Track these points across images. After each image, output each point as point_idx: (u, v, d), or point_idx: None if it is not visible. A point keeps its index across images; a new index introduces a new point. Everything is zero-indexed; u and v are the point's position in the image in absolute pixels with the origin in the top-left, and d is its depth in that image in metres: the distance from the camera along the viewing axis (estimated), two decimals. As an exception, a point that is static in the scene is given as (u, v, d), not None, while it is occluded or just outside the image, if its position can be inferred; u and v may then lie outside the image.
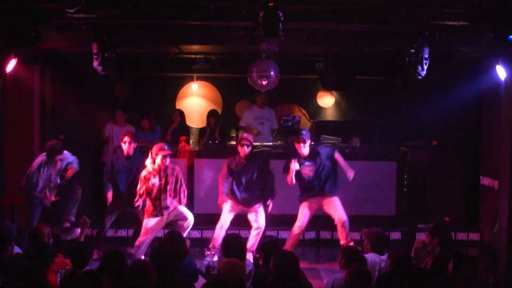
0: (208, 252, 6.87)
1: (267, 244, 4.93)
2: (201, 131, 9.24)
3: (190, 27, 6.58)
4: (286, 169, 6.81)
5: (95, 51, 6.31)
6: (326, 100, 10.28)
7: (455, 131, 8.88)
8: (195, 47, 8.15)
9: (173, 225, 6.68)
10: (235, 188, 6.87)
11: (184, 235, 6.68)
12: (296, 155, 6.84)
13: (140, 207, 6.52)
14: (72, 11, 5.40)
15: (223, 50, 8.50)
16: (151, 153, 6.46)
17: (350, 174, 6.88)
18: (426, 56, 6.30)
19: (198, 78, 10.10)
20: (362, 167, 7.80)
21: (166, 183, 6.51)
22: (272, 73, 7.06)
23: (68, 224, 6.93)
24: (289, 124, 8.57)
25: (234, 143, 8.71)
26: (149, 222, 6.54)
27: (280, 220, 7.57)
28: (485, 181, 8.04)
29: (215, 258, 6.49)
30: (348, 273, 4.17)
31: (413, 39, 6.33)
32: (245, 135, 6.97)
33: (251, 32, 6.44)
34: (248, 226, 7.04)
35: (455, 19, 5.90)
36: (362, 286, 4.07)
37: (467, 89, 8.37)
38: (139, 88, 9.87)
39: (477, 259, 6.25)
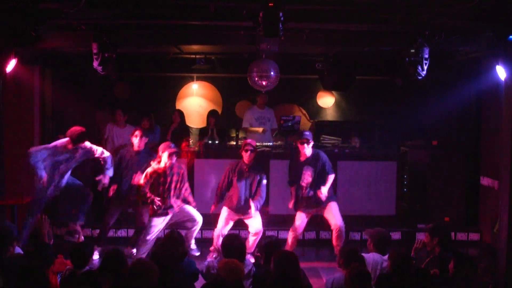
0: (211, 253, 6.88)
1: (267, 244, 4.93)
2: (201, 131, 9.25)
3: (190, 27, 6.58)
4: (291, 183, 6.87)
5: (95, 51, 6.31)
6: (326, 100, 10.28)
7: (455, 131, 8.89)
8: (195, 47, 8.15)
9: (183, 227, 6.62)
10: (233, 196, 6.81)
11: (194, 236, 6.69)
12: (297, 156, 6.83)
13: (143, 202, 6.51)
14: (72, 11, 5.39)
15: (223, 50, 8.50)
16: (158, 151, 6.48)
17: (323, 193, 6.68)
18: (426, 56, 6.30)
19: (198, 78, 10.10)
20: (362, 167, 7.81)
21: (171, 181, 6.51)
22: (272, 73, 7.06)
23: (76, 228, 6.92)
24: (289, 124, 8.57)
25: (234, 143, 8.74)
26: (153, 222, 6.50)
27: (280, 220, 7.58)
28: (485, 181, 8.04)
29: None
30: (347, 273, 4.18)
31: (413, 39, 6.33)
32: (248, 140, 6.95)
33: (251, 32, 6.44)
34: (246, 225, 7.04)
35: (455, 19, 5.90)
36: (362, 286, 4.07)
37: (467, 89, 8.38)
38: (139, 88, 9.87)
39: (477, 259, 6.25)
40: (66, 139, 6.68)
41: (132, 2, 5.81)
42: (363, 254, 5.05)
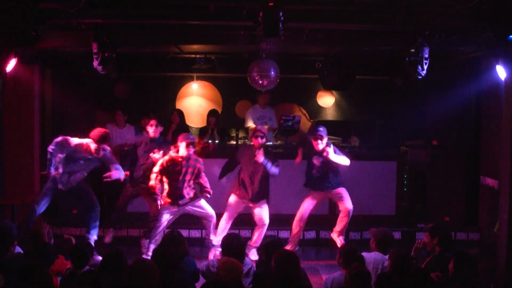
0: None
1: (268, 244, 4.94)
2: (201, 131, 9.24)
3: (190, 27, 6.58)
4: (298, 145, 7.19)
5: (95, 51, 6.31)
6: (326, 100, 10.28)
7: (455, 131, 8.88)
8: (195, 47, 8.15)
9: (201, 224, 6.87)
10: (244, 181, 6.90)
11: (212, 231, 6.81)
12: (310, 150, 6.95)
13: (156, 190, 6.55)
14: (72, 11, 5.39)
15: (223, 50, 8.50)
16: (177, 141, 6.60)
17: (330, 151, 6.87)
18: (426, 56, 6.30)
19: (198, 78, 10.09)
20: (362, 167, 7.81)
21: (186, 172, 6.57)
22: (272, 73, 7.06)
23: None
24: (289, 124, 8.57)
25: (234, 142, 8.74)
26: (164, 211, 6.60)
27: (280, 220, 7.57)
28: (485, 181, 8.04)
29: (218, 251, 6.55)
30: (347, 273, 4.19)
31: (413, 39, 6.33)
32: (258, 127, 7.14)
33: (251, 32, 6.44)
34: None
35: (455, 19, 5.90)
36: (362, 286, 4.08)
37: (467, 89, 8.37)
38: (139, 88, 9.86)
39: (477, 259, 6.24)
40: (89, 140, 6.55)
41: (132, 2, 5.82)
42: (364, 253, 5.07)
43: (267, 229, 7.12)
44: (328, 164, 6.92)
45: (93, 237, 6.67)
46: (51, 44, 6.68)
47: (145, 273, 3.86)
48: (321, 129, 6.92)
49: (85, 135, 6.65)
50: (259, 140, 6.86)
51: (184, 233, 6.91)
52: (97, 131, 6.54)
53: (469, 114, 8.66)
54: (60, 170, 6.46)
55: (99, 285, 3.96)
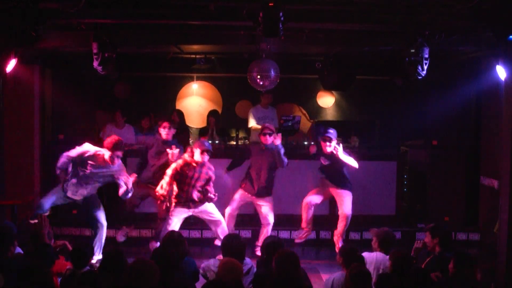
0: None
1: (269, 244, 4.94)
2: (201, 131, 9.24)
3: (190, 27, 6.58)
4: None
5: (95, 51, 6.31)
6: (326, 100, 10.29)
7: (455, 131, 8.89)
8: (195, 47, 8.15)
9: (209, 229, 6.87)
10: (251, 176, 6.92)
11: (220, 235, 6.66)
12: (319, 148, 6.95)
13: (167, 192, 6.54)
14: (72, 11, 5.39)
15: (223, 50, 8.50)
16: (193, 147, 6.60)
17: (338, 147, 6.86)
18: (426, 56, 6.30)
19: (198, 78, 10.10)
20: (362, 167, 7.78)
21: (198, 178, 6.56)
22: (272, 73, 7.06)
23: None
24: (289, 124, 8.57)
25: (234, 143, 8.73)
26: (174, 212, 6.59)
27: (280, 220, 7.57)
28: (485, 181, 8.04)
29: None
30: (348, 273, 4.18)
31: (413, 39, 6.33)
32: (266, 124, 7.13)
33: (251, 32, 6.44)
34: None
35: (455, 19, 5.90)
36: (362, 286, 4.08)
37: (467, 89, 8.38)
38: (139, 88, 9.87)
39: (477, 259, 6.24)
40: (104, 149, 6.28)
41: (132, 2, 5.81)
42: (366, 253, 5.07)
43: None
44: (336, 165, 6.89)
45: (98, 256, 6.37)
46: (51, 44, 6.68)
47: (145, 273, 3.85)
48: (331, 131, 6.87)
49: (85, 135, 6.64)
50: (268, 137, 6.88)
51: (184, 233, 6.90)
52: (110, 139, 6.27)
53: (469, 114, 8.66)
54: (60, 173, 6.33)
55: (99, 285, 3.95)
